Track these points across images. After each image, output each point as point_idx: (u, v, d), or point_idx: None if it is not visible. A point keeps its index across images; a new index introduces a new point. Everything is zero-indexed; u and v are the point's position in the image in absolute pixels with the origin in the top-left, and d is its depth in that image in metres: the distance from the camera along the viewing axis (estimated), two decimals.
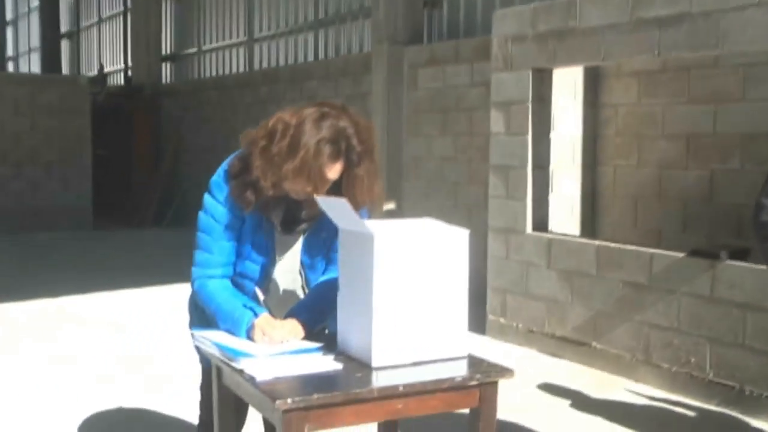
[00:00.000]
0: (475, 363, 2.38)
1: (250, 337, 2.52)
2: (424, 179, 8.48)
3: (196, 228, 2.75)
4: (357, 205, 2.61)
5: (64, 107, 13.07)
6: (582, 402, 5.01)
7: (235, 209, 2.66)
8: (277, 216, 2.67)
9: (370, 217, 2.69)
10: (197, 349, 2.87)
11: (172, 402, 4.84)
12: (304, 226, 2.72)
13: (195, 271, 2.75)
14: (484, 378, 2.27)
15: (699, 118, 5.84)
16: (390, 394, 2.15)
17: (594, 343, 5.73)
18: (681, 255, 5.15)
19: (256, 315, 2.56)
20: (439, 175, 8.27)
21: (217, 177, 2.70)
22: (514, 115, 6.25)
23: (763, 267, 4.70)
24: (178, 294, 7.94)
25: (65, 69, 20.74)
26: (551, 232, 6.25)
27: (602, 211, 6.73)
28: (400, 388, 2.16)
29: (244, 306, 2.60)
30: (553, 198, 6.40)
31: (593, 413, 4.81)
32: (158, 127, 14.50)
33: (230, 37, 13.31)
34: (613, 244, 5.69)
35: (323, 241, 2.78)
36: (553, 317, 6.03)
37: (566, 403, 5.01)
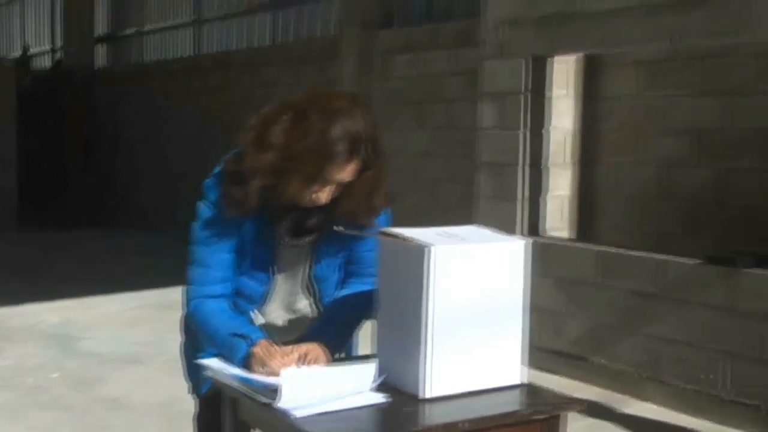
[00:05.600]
0: (536, 392, 2.24)
1: (246, 368, 2.34)
2: (397, 177, 8.31)
3: (190, 240, 2.54)
4: (372, 211, 2.46)
5: None
6: (580, 423, 4.89)
7: (227, 213, 2.47)
8: (282, 224, 2.49)
9: (390, 223, 2.53)
10: (190, 374, 2.70)
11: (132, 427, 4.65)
12: (313, 236, 2.54)
13: (192, 290, 2.54)
14: (554, 410, 2.13)
15: (709, 112, 5.78)
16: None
17: (594, 358, 5.64)
18: (695, 262, 5.08)
19: (254, 342, 2.37)
20: (415, 173, 8.12)
21: (210, 180, 2.50)
22: (507, 108, 6.13)
23: None
24: (126, 305, 7.86)
25: None
26: (545, 236, 6.15)
27: (598, 214, 6.65)
28: (464, 425, 2.00)
29: (236, 334, 2.41)
30: (546, 199, 6.31)
31: None
32: (92, 117, 14.10)
33: (175, 17, 12.99)
34: (615, 250, 5.61)
35: (337, 251, 2.61)
36: (547, 330, 5.91)
37: None
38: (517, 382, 2.27)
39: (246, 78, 10.52)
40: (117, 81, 13.74)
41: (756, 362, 4.77)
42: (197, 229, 2.52)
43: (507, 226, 5.96)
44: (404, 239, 2.18)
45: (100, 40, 14.90)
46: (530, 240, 2.32)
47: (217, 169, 2.50)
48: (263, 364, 2.30)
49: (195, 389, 2.72)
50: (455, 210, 7.37)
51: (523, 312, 2.27)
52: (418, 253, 2.11)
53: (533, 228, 6.17)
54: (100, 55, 15.00)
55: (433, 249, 2.09)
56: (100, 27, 14.93)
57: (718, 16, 4.87)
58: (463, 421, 2.02)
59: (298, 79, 9.47)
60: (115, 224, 13.04)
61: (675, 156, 6.02)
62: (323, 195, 2.38)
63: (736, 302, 4.84)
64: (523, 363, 2.30)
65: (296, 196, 2.39)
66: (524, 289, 2.27)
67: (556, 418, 2.17)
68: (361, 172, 2.38)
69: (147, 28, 13.74)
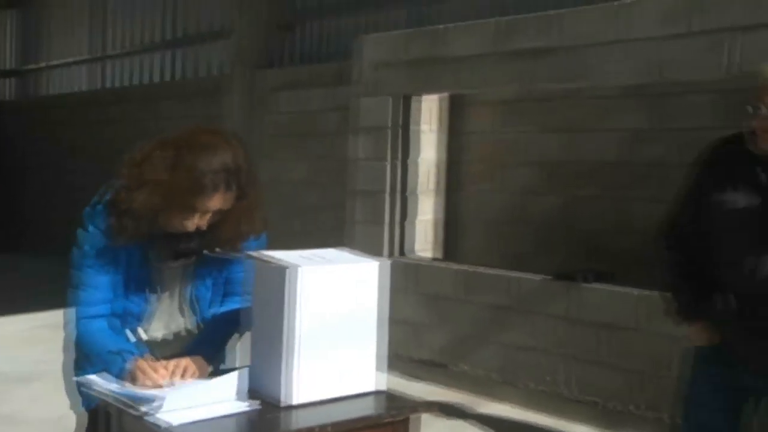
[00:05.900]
0: (391, 398, 2.26)
1: (126, 382, 2.29)
2: (280, 203, 8.28)
3: (71, 265, 2.48)
4: (243, 236, 2.46)
5: None
6: (442, 423, 4.92)
7: (113, 241, 2.43)
8: (160, 248, 2.46)
9: (263, 247, 2.53)
10: (79, 391, 2.62)
11: None
12: (192, 259, 2.52)
13: (79, 310, 2.46)
14: (407, 413, 2.16)
15: (556, 146, 5.96)
16: None
17: (456, 365, 5.72)
18: (544, 278, 5.23)
19: (133, 357, 2.33)
20: (296, 199, 8.10)
21: (91, 208, 2.45)
22: (377, 141, 6.20)
23: (622, 289, 4.85)
24: (22, 325, 7.52)
25: None
26: (413, 257, 6.23)
27: (462, 236, 6.77)
28: (324, 429, 2.00)
29: (117, 350, 2.36)
30: (414, 223, 6.39)
31: None
32: (2, 147, 13.55)
33: (79, 54, 12.64)
34: (475, 268, 5.72)
35: (213, 272, 2.59)
36: (413, 340, 5.97)
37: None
38: (374, 389, 2.29)
39: (143, 111, 10.31)
40: (24, 113, 13.27)
41: (594, 365, 4.94)
42: (82, 254, 2.45)
43: (377, 248, 6.05)
44: (272, 261, 2.18)
45: (9, 74, 14.42)
46: (387, 261, 2.35)
47: (98, 197, 2.45)
48: (144, 378, 2.27)
49: (83, 404, 2.63)
50: (333, 234, 7.37)
51: (379, 325, 2.29)
52: (282, 274, 2.12)
53: (402, 249, 6.24)
54: (8, 88, 14.50)
55: (296, 270, 2.10)
56: (9, 61, 14.45)
57: (561, 65, 5.06)
58: (322, 426, 2.02)
59: (191, 113, 9.33)
60: (21, 249, 12.54)
61: (528, 185, 6.17)
62: (195, 222, 2.36)
63: (578, 313, 5.01)
64: (380, 371, 2.32)
65: (176, 224, 2.37)
66: (380, 305, 2.29)
67: (408, 420, 2.20)
68: (236, 201, 2.39)
69: (51, 63, 13.33)
